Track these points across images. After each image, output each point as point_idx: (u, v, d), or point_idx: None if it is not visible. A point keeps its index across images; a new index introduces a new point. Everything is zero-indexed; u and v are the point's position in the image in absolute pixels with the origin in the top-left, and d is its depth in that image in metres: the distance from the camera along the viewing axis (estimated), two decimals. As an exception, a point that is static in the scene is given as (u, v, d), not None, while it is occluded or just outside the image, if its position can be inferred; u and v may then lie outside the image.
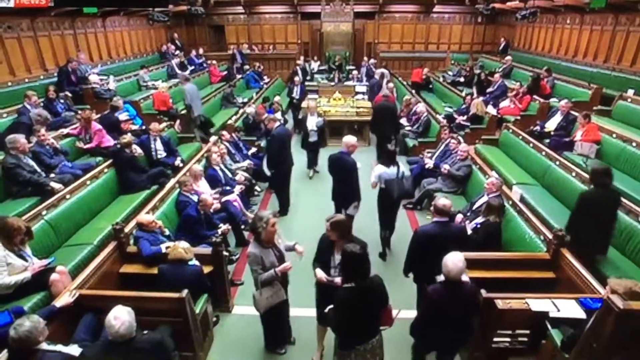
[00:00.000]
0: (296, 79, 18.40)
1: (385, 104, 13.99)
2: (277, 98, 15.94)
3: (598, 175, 7.01)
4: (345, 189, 8.81)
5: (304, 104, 16.58)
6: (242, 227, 9.46)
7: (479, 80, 18.73)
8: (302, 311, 6.31)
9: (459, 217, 8.32)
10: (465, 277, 5.15)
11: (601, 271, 6.72)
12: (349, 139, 8.91)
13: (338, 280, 5.50)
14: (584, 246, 6.81)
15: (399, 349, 6.40)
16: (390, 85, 16.81)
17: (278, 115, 13.47)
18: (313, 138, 12.81)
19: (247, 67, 23.40)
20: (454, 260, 5.02)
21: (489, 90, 17.06)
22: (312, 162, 13.26)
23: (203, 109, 15.47)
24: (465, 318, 5.39)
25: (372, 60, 22.65)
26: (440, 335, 5.40)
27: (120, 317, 4.40)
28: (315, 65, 24.61)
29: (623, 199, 7.62)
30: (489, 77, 18.78)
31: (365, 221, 9.37)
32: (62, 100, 13.14)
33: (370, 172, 8.82)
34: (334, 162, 8.89)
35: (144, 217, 7.38)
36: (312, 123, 12.76)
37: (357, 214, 9.03)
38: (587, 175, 8.72)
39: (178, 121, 14.37)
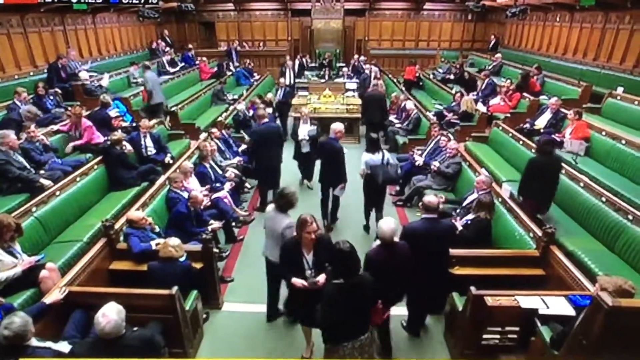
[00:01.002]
0: (281, 80, 17.07)
1: (374, 92, 14.82)
2: (269, 95, 15.98)
3: (542, 145, 8.35)
4: (333, 172, 9.44)
5: (295, 102, 16.24)
6: (233, 224, 9.46)
7: (463, 80, 18.80)
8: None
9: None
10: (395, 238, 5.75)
11: (590, 268, 6.75)
12: (336, 125, 9.60)
13: (320, 278, 5.59)
14: (532, 204, 8.20)
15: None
16: (380, 82, 16.84)
17: (262, 111, 12.71)
18: (305, 149, 11.59)
19: (236, 64, 23.35)
20: (387, 224, 5.67)
21: (479, 89, 17.06)
22: (305, 175, 12.08)
23: (194, 105, 15.54)
24: (403, 273, 5.77)
25: (361, 57, 22.66)
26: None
27: (108, 315, 4.38)
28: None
29: (614, 197, 7.83)
30: (474, 75, 18.91)
31: (355, 203, 10.14)
32: (51, 97, 13.05)
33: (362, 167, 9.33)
34: (323, 146, 9.71)
35: (134, 213, 7.38)
36: (303, 132, 11.60)
37: (343, 196, 9.85)
38: (576, 173, 8.90)
39: (168, 118, 14.36)
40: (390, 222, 5.71)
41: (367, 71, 19.25)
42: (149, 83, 14.44)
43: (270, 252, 6.58)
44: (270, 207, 6.67)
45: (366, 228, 9.87)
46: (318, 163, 9.80)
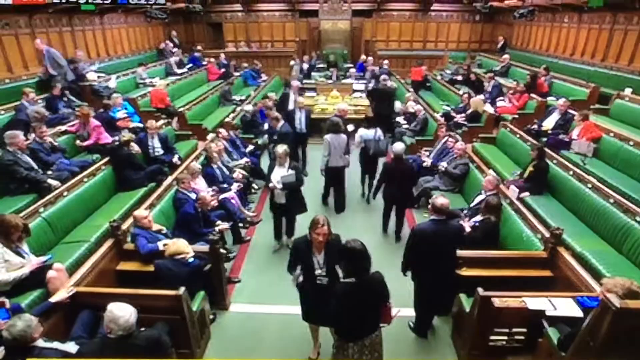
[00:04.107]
0: (299, 99, 13.21)
1: (384, 87, 15.91)
2: (272, 95, 15.95)
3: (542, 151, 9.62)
4: None
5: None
6: (240, 224, 9.46)
7: (470, 81, 18.75)
8: (298, 309, 6.30)
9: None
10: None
11: (598, 270, 6.72)
12: (341, 105, 12.77)
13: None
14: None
15: (398, 346, 6.48)
16: (391, 83, 16.93)
17: (274, 113, 12.15)
18: (280, 199, 8.79)
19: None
20: (398, 145, 9.31)
21: (485, 90, 17.05)
22: (279, 231, 9.32)
23: (202, 106, 15.71)
24: (407, 182, 9.59)
25: (369, 58, 22.61)
26: (392, 196, 9.46)
27: (126, 309, 4.50)
28: (300, 66, 22.87)
29: (622, 198, 7.86)
30: (481, 76, 18.92)
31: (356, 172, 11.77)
32: (65, 98, 13.11)
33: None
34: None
35: (139, 212, 7.39)
36: (276, 177, 8.54)
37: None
38: (584, 174, 8.89)
39: (176, 118, 14.37)
40: (400, 144, 9.37)
41: (385, 66, 20.27)
42: (60, 59, 13.89)
43: (337, 161, 10.36)
44: (328, 135, 10.27)
45: (362, 194, 11.71)
46: (300, 217, 8.94)
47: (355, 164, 11.54)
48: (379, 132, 10.92)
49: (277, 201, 8.86)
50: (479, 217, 7.78)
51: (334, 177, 10.67)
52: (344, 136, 10.38)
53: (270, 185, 8.61)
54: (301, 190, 8.97)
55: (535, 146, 9.75)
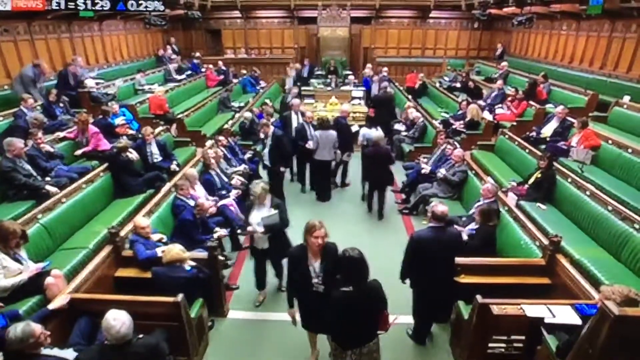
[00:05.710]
0: (307, 114, 12.33)
1: (384, 95, 16.58)
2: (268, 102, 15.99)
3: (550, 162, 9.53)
4: (342, 142, 11.63)
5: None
6: (238, 231, 9.43)
7: (468, 89, 18.79)
8: (296, 316, 6.29)
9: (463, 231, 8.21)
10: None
11: (596, 277, 6.71)
12: (344, 106, 13.85)
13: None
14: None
15: (396, 353, 6.47)
16: (390, 89, 17.05)
17: (265, 120, 12.26)
18: (262, 244, 7.36)
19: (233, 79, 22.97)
20: (375, 132, 10.76)
21: (485, 97, 17.10)
22: (262, 279, 7.87)
23: (200, 112, 15.77)
24: (385, 165, 10.50)
25: (368, 66, 22.57)
26: (374, 177, 10.75)
27: (120, 318, 4.42)
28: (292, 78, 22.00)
29: (620, 206, 7.86)
30: (479, 84, 19.07)
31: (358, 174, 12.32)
32: (62, 104, 13.08)
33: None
34: (335, 123, 12.07)
35: (139, 219, 7.38)
36: (256, 219, 7.03)
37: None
38: (582, 182, 8.91)
39: (174, 125, 14.37)
40: (377, 131, 10.85)
41: (384, 73, 20.45)
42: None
43: (323, 154, 11.31)
44: (317, 131, 11.34)
45: (363, 197, 11.85)
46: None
47: (356, 170, 12.32)
48: (380, 131, 11.24)
49: (257, 247, 7.44)
50: (474, 225, 7.78)
51: (320, 169, 11.72)
52: (332, 132, 11.35)
53: (250, 229, 7.16)
54: (286, 232, 7.37)
55: (545, 155, 9.69)
